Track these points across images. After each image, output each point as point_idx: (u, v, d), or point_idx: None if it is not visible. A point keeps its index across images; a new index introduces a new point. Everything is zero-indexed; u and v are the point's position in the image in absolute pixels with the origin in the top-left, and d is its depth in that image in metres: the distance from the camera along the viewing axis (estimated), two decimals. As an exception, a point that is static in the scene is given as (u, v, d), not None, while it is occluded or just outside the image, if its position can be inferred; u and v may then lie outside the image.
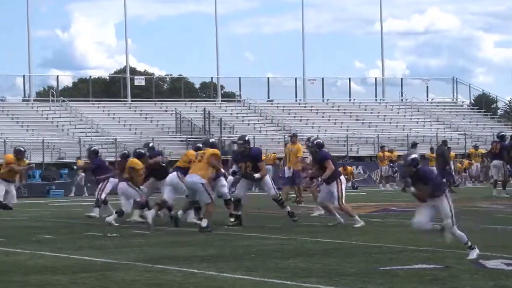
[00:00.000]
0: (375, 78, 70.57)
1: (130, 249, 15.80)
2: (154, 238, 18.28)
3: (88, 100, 61.01)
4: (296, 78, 65.87)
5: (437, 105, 68.87)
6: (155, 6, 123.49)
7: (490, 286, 10.57)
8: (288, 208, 21.58)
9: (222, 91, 67.38)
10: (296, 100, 65.46)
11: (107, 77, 76.55)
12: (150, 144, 24.92)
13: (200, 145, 22.64)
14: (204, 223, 19.54)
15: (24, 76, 60.23)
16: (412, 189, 13.45)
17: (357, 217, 20.41)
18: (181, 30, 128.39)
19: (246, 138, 21.71)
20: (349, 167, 45.63)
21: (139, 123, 56.91)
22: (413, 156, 13.68)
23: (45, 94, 61.95)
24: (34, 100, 59.73)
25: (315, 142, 21.26)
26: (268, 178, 21.44)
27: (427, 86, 70.15)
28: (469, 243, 13.20)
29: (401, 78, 73.45)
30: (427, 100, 69.46)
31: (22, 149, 25.37)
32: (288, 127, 57.12)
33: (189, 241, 17.42)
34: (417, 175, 13.35)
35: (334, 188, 20.37)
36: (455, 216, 13.22)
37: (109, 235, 18.88)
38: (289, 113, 62.32)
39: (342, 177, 20.99)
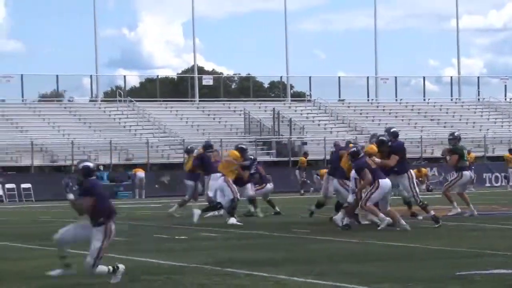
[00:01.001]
0: (451, 77, 69.63)
1: (199, 252, 15.82)
2: (222, 241, 18.37)
3: (156, 100, 61.05)
4: (368, 77, 65.17)
5: None
6: (223, 4, 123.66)
7: None
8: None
9: (292, 91, 67.12)
10: (368, 100, 64.89)
11: (175, 77, 76.97)
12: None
13: None
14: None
15: (91, 76, 60.40)
16: None
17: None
18: (250, 28, 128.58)
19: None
20: (423, 169, 45.24)
21: (207, 124, 56.72)
22: None
23: (112, 94, 62.43)
24: (101, 101, 60.07)
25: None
26: None
27: (505, 85, 68.72)
28: None
29: (478, 77, 71.47)
30: (505, 99, 68.16)
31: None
32: (360, 128, 56.76)
33: (259, 244, 17.44)
34: None
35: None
36: None
37: (177, 237, 18.99)
38: (361, 113, 61.84)
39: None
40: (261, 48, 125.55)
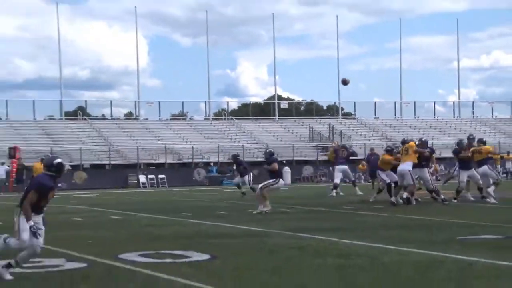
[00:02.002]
0: (453, 101, 67.96)
1: (279, 222, 15.79)
2: (293, 214, 18.28)
3: (249, 118, 61.61)
4: (395, 102, 65.05)
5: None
6: (295, 52, 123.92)
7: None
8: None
9: (342, 111, 66.96)
10: (395, 117, 64.58)
11: (262, 102, 77.05)
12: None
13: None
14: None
15: (205, 102, 61.15)
16: None
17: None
18: (314, 68, 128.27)
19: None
20: (435, 165, 44.61)
21: (283, 134, 56.88)
22: None
23: (219, 114, 62.78)
24: (212, 118, 60.55)
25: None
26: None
27: (492, 107, 67.45)
28: None
29: (472, 101, 69.96)
30: (492, 117, 66.59)
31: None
32: (390, 137, 56.20)
33: (318, 217, 17.35)
34: None
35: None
36: None
37: (264, 211, 18.86)
38: (390, 127, 61.70)
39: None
40: (321, 82, 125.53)
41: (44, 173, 8.50)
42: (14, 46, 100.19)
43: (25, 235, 8.10)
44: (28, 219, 8.17)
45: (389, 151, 22.67)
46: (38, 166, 15.43)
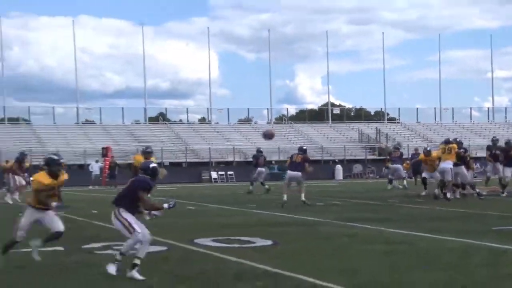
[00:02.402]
0: (487, 107, 66.68)
1: (331, 213, 15.61)
2: (343, 206, 18.00)
3: (305, 123, 61.41)
4: (435, 108, 63.74)
5: None
6: (346, 64, 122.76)
7: None
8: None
9: (388, 116, 66.06)
10: (435, 122, 63.38)
11: (317, 108, 76.50)
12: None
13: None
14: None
15: (267, 108, 61.29)
16: None
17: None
18: (362, 78, 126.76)
19: None
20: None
21: (336, 136, 56.29)
22: None
23: (280, 119, 62.57)
24: (273, 123, 60.46)
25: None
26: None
27: None
28: None
29: (505, 107, 67.66)
30: None
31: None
32: (430, 139, 55.01)
33: (367, 209, 17.04)
34: None
35: None
36: None
37: (317, 203, 18.69)
38: (430, 130, 60.54)
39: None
40: (369, 90, 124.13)
41: (143, 176, 7.66)
42: (106, 62, 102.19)
43: (137, 226, 7.41)
44: (157, 208, 7.69)
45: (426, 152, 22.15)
46: (138, 158, 15.59)
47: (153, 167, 7.77)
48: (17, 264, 8.29)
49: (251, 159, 48.28)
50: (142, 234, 7.36)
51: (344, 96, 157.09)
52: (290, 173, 18.84)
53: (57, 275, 7.59)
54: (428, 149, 22.68)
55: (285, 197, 18.10)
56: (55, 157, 8.38)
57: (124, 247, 7.53)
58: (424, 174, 21.92)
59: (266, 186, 26.40)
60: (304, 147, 20.21)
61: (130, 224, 7.40)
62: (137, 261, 7.27)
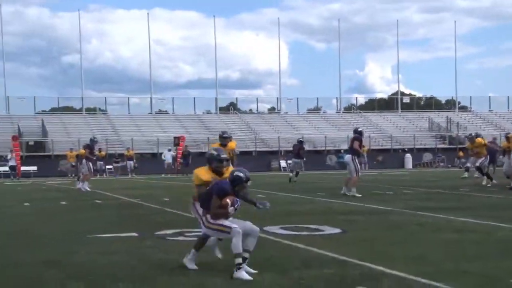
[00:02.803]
0: None
1: (400, 201, 15.38)
2: (413, 195, 17.74)
3: (375, 112, 60.79)
4: (508, 96, 61.90)
5: None
6: (417, 53, 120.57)
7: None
8: None
9: (459, 105, 64.62)
10: (508, 110, 61.37)
11: (386, 97, 75.54)
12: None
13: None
14: None
15: (337, 98, 61.02)
16: None
17: None
18: (432, 66, 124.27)
19: None
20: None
21: (405, 125, 55.63)
22: None
23: (349, 108, 62.01)
24: (342, 112, 60.14)
25: None
26: None
27: None
28: None
29: None
30: None
31: None
32: (503, 127, 53.26)
33: (438, 198, 16.79)
34: None
35: None
36: None
37: (387, 192, 18.46)
38: (503, 118, 58.52)
39: None
40: (440, 79, 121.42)
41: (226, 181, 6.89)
42: (179, 53, 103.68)
43: (229, 223, 6.74)
44: (223, 215, 6.78)
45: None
46: (214, 146, 15.87)
47: (236, 176, 6.82)
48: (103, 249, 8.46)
49: (320, 149, 48.61)
50: (237, 228, 6.69)
51: (414, 85, 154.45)
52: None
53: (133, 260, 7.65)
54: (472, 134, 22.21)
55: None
56: (215, 153, 7.40)
57: (234, 247, 6.66)
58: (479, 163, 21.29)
59: (290, 174, 25.94)
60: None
61: (222, 225, 6.77)
62: (243, 258, 6.61)
